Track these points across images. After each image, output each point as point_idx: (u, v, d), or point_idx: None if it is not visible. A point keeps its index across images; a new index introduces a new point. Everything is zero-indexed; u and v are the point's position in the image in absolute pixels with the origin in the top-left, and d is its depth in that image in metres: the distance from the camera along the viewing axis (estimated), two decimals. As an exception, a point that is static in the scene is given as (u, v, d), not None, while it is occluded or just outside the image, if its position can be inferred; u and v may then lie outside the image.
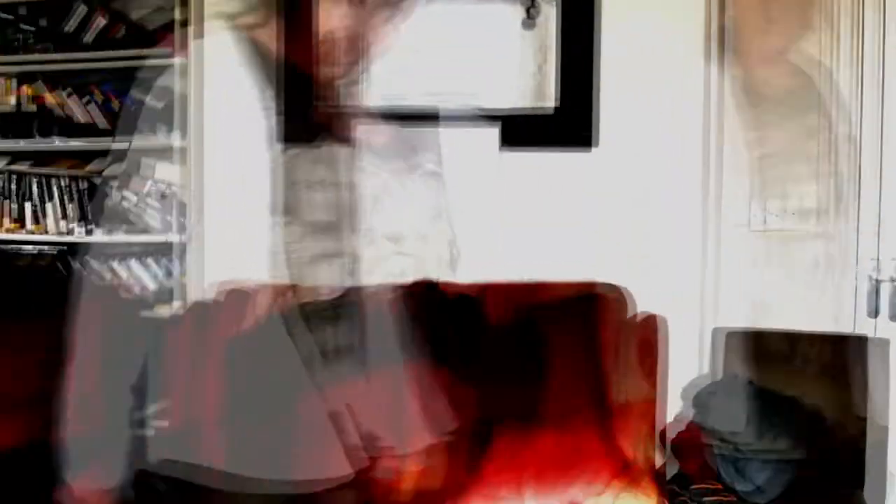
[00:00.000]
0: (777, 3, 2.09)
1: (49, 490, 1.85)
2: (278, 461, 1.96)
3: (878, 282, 2.13)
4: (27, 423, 2.04)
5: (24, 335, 2.19)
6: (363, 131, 2.25)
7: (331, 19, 2.28)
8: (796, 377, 2.12)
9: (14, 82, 2.71)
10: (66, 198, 2.69)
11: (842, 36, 2.09)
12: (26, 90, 2.69)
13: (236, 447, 2.05)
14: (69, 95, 2.68)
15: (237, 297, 2.25)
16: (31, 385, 2.06)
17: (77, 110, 2.67)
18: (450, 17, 2.38)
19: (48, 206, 2.70)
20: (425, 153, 2.33)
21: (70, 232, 2.68)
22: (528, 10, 2.22)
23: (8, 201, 2.73)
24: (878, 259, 2.13)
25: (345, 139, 2.29)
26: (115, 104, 2.64)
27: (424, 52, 2.37)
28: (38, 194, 2.70)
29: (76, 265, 2.53)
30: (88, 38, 2.65)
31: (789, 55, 2.09)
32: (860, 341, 2.10)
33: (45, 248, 2.65)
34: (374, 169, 2.30)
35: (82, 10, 2.61)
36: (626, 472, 2.00)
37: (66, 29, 2.63)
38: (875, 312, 2.13)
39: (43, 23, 2.69)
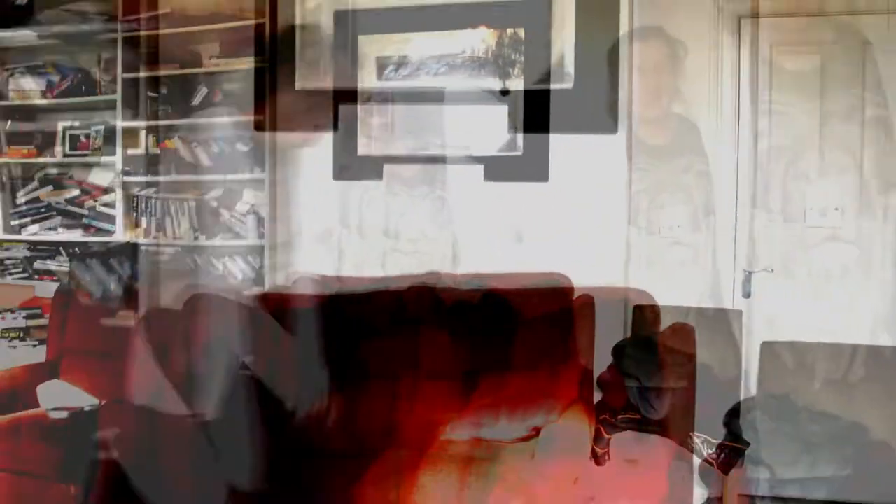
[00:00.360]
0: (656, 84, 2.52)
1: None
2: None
3: (749, 273, 2.58)
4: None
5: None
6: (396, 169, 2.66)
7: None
8: (686, 337, 2.38)
9: (144, 133, 3.02)
10: (180, 213, 2.96)
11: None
12: (152, 140, 3.01)
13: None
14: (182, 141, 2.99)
15: (303, 282, 2.67)
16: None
17: (186, 152, 3.00)
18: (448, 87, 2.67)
19: (167, 219, 2.97)
20: (437, 183, 2.69)
21: (183, 238, 2.95)
22: (501, 90, 2.63)
23: (139, 215, 3.04)
24: (750, 257, 2.57)
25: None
26: (216, 148, 2.96)
27: (430, 112, 2.71)
28: (161, 211, 2.98)
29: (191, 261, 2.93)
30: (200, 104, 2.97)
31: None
32: (736, 313, 2.50)
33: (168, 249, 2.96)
34: (403, 193, 2.71)
35: (203, 89, 2.97)
36: (572, 405, 2.23)
37: (193, 102, 2.98)
38: (748, 295, 2.58)
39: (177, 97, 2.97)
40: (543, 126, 2.59)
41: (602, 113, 2.53)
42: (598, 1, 2.52)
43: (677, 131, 2.52)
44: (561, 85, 2.58)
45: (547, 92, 2.58)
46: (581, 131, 2.55)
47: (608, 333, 2.46)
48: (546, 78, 2.58)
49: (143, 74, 2.98)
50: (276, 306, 2.62)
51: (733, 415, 2.35)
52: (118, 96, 2.98)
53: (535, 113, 2.60)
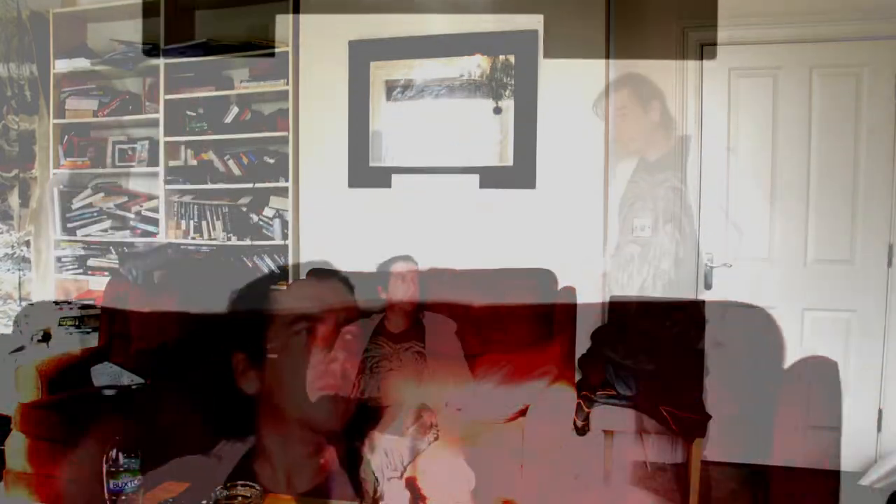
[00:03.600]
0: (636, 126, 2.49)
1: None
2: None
3: (711, 268, 2.64)
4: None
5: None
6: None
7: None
8: (656, 324, 2.40)
9: (183, 147, 3.04)
10: (214, 217, 2.96)
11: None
12: (190, 153, 3.02)
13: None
14: (216, 154, 2.98)
15: (319, 276, 2.71)
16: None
17: (220, 164, 3.00)
18: (447, 106, 2.66)
19: (204, 222, 2.97)
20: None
21: (217, 239, 2.94)
22: (494, 109, 2.62)
23: (179, 219, 3.02)
24: (711, 254, 2.62)
25: None
26: (246, 160, 2.96)
27: (430, 129, 2.67)
28: (198, 215, 2.98)
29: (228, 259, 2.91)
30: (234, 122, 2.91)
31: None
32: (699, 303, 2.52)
33: (204, 248, 2.94)
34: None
35: (235, 109, 2.96)
36: (556, 383, 2.18)
37: (226, 120, 2.96)
38: (708, 287, 2.63)
39: (212, 116, 2.94)
40: (531, 140, 2.58)
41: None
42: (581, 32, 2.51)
43: (660, 150, 2.50)
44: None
45: (534, 111, 2.57)
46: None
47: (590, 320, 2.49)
48: (534, 98, 2.57)
49: (182, 96, 2.99)
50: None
51: (697, 390, 2.36)
52: (161, 115, 2.98)
53: (525, 129, 2.59)
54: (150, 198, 3.08)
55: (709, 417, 2.20)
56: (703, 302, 2.51)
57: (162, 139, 2.99)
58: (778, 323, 2.47)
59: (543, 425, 2.01)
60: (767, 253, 2.61)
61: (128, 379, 2.52)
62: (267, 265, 2.94)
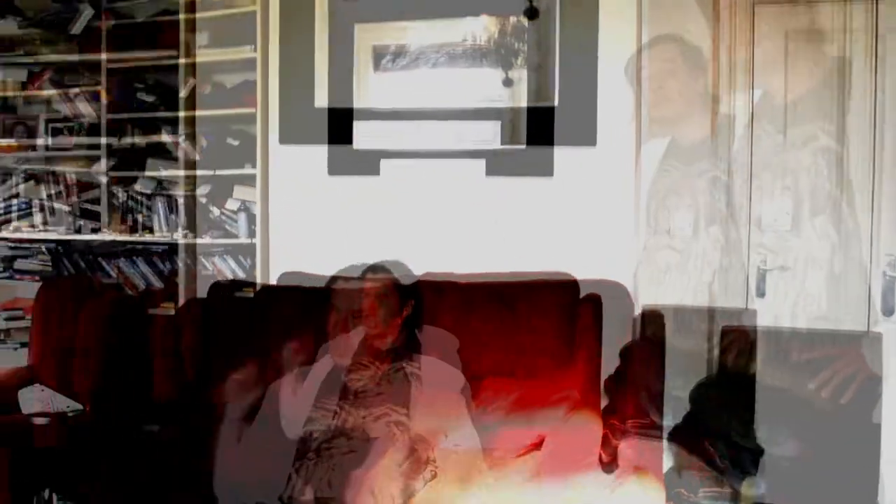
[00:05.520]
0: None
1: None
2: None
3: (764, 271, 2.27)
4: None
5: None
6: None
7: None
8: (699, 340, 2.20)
9: (130, 127, 2.85)
10: (167, 210, 2.82)
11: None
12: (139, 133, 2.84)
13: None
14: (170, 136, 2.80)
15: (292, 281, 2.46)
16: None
17: (174, 147, 2.82)
18: (450, 77, 2.49)
19: (154, 217, 2.83)
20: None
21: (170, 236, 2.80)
22: (503, 80, 2.42)
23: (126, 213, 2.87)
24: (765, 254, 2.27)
25: None
26: (205, 142, 2.77)
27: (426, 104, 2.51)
28: (148, 208, 2.84)
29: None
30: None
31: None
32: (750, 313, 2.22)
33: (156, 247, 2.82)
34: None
35: (192, 80, 2.74)
36: (577, 410, 2.05)
37: (181, 94, 2.74)
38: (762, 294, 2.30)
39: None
40: (548, 119, 2.36)
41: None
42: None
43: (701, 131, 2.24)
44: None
45: (552, 81, 2.34)
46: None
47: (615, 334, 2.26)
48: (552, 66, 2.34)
49: (129, 64, 2.80)
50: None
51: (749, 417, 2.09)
52: (103, 87, 2.79)
53: (539, 105, 2.38)
54: (90, 187, 2.89)
55: (761, 452, 1.96)
56: (755, 311, 2.21)
57: (104, 116, 2.81)
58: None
59: (562, 460, 1.85)
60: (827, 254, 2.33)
61: (63, 404, 2.35)
62: (230, 267, 2.74)
